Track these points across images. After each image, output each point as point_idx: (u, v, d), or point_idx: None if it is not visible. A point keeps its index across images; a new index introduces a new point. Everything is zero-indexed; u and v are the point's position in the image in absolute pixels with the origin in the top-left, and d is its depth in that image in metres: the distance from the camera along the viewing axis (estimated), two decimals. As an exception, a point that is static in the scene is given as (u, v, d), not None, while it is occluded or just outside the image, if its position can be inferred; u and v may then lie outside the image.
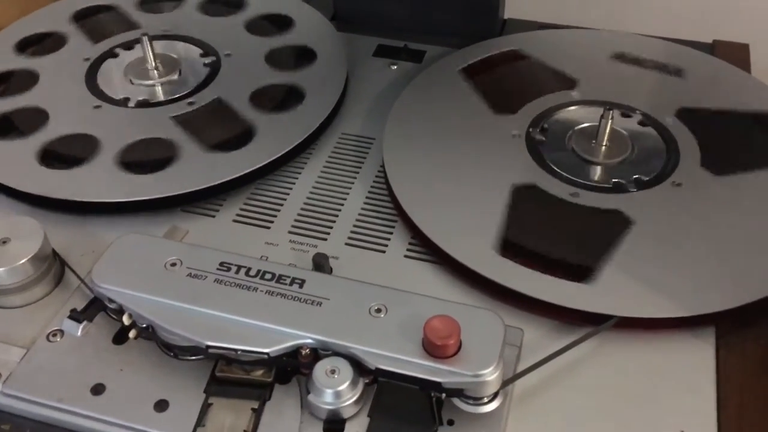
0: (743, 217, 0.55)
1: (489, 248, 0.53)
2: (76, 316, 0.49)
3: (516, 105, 0.65)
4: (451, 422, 0.44)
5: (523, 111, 0.65)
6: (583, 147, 0.61)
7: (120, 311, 0.48)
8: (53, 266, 0.53)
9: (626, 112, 0.64)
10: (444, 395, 0.44)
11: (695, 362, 0.48)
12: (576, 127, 0.63)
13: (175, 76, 0.69)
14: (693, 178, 0.58)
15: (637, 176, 0.59)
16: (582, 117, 0.64)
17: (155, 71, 0.69)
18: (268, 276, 0.48)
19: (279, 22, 0.76)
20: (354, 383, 0.44)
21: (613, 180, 0.59)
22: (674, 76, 0.69)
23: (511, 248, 0.53)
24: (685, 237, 0.54)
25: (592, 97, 0.66)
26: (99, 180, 0.58)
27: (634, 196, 0.57)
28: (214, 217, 0.59)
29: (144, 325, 0.47)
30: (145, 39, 0.68)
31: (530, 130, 0.63)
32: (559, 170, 0.59)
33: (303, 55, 0.72)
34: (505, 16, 0.81)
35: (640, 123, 0.64)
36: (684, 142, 0.61)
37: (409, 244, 0.56)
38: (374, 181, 0.62)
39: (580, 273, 0.51)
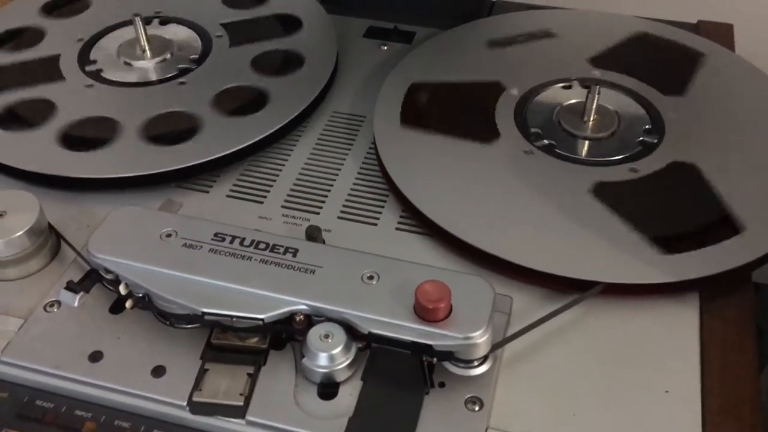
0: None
1: (477, 218, 0.54)
2: (72, 287, 0.50)
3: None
4: (442, 384, 0.45)
5: (511, 87, 0.66)
6: (570, 122, 0.62)
7: (116, 282, 0.49)
8: (49, 239, 0.53)
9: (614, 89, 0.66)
10: (435, 359, 0.45)
11: (680, 327, 0.49)
12: (564, 103, 0.64)
13: (168, 56, 0.70)
14: (678, 150, 0.60)
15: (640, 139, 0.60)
16: (568, 95, 0.65)
17: (147, 52, 0.70)
18: (262, 246, 0.49)
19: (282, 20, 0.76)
20: (347, 347, 0.45)
21: (593, 153, 0.60)
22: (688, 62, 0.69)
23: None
24: (672, 206, 0.55)
25: (573, 75, 0.67)
26: (93, 156, 0.59)
27: (626, 168, 0.58)
28: (208, 192, 0.60)
29: (140, 295, 0.48)
30: (137, 20, 0.69)
31: (518, 106, 0.64)
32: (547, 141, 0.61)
33: (293, 33, 0.72)
34: (494, -2, 0.82)
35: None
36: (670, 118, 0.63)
37: (400, 217, 0.57)
38: (365, 158, 0.63)
39: (568, 241, 0.52)
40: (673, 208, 0.55)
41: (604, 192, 0.56)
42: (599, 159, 0.59)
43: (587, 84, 0.64)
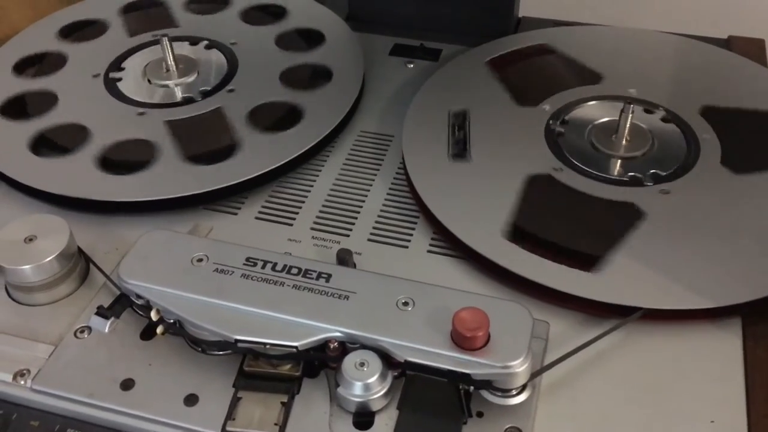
0: (765, 212, 0.55)
1: (512, 241, 0.53)
2: (103, 312, 0.50)
3: (538, 98, 0.65)
4: (480, 414, 0.44)
5: (544, 104, 0.65)
6: (602, 141, 0.61)
7: (147, 307, 0.48)
8: (78, 264, 0.53)
9: (649, 108, 0.64)
10: (472, 387, 0.44)
11: (722, 353, 0.48)
12: (596, 121, 0.63)
13: (193, 78, 0.70)
14: (713, 174, 0.58)
15: (653, 171, 0.59)
16: (603, 112, 0.64)
17: (174, 72, 0.69)
18: (294, 271, 0.48)
19: (307, 36, 0.76)
20: (383, 376, 0.44)
21: (632, 174, 0.59)
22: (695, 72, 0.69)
23: (533, 241, 0.53)
24: (710, 230, 0.54)
25: (615, 92, 0.66)
26: (122, 179, 0.59)
27: (657, 189, 0.57)
28: (236, 214, 0.59)
29: (171, 321, 0.47)
30: (165, 40, 0.68)
31: (550, 122, 0.63)
32: (579, 164, 0.60)
33: (317, 43, 0.72)
34: (520, 15, 0.81)
35: (663, 119, 0.64)
36: (705, 139, 0.61)
37: (432, 239, 0.56)
38: (395, 178, 0.62)
39: (608, 266, 0.51)
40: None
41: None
42: (634, 178, 0.58)
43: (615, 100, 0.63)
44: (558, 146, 0.61)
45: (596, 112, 0.65)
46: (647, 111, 0.64)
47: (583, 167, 0.59)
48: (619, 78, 0.68)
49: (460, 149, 0.61)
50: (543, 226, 0.54)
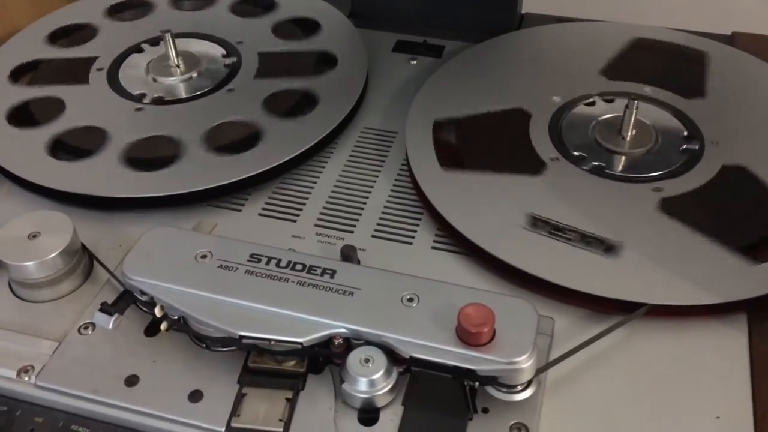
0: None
1: (516, 238, 0.53)
2: (107, 309, 0.49)
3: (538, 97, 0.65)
4: (485, 410, 0.44)
5: (544, 102, 0.65)
6: (606, 138, 0.61)
7: (151, 304, 0.48)
8: (82, 260, 0.53)
9: (651, 104, 0.64)
10: (478, 384, 0.44)
11: (728, 349, 0.48)
12: (599, 118, 0.63)
13: (196, 73, 0.69)
14: (717, 165, 0.58)
15: (665, 163, 0.59)
16: (605, 109, 0.64)
17: (177, 68, 0.69)
18: (298, 267, 0.48)
19: (302, 24, 0.76)
20: (388, 372, 0.44)
21: (640, 169, 0.59)
22: (696, 64, 0.69)
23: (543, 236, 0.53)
24: (714, 224, 0.53)
25: (614, 88, 0.66)
26: (125, 176, 0.59)
27: (663, 184, 0.57)
28: (240, 211, 0.59)
29: (176, 317, 0.47)
30: (168, 36, 0.68)
31: (552, 122, 0.63)
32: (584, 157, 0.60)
33: (322, 52, 0.72)
34: (523, 11, 0.81)
35: (665, 112, 0.64)
36: (707, 130, 0.61)
37: (436, 235, 0.56)
38: (398, 174, 0.62)
39: (612, 261, 0.51)
40: (742, 214, 0.55)
41: (670, 207, 0.55)
42: (640, 175, 0.58)
43: (610, 98, 0.64)
44: (561, 141, 0.61)
45: (599, 109, 0.64)
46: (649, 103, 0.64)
47: (587, 161, 0.59)
48: (622, 74, 0.68)
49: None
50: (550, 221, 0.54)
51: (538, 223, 0.52)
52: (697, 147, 0.60)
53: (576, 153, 0.60)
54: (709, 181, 0.57)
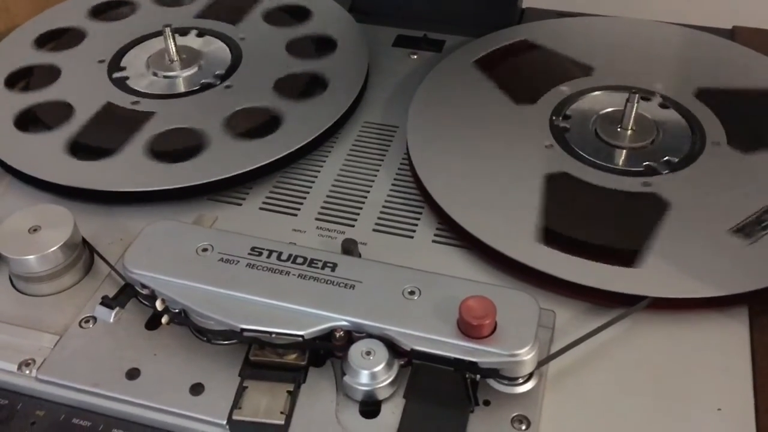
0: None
1: (517, 231, 0.53)
2: (108, 302, 0.49)
3: (535, 94, 0.65)
4: (487, 402, 0.44)
5: (543, 100, 0.65)
6: (608, 132, 0.61)
7: (152, 297, 0.48)
8: (83, 254, 0.53)
9: (645, 95, 0.64)
10: (479, 376, 0.44)
11: (729, 342, 0.48)
12: (600, 112, 0.63)
13: (197, 68, 0.69)
14: (721, 157, 0.58)
15: (666, 158, 0.59)
16: (603, 103, 0.64)
17: (177, 63, 0.69)
18: (299, 260, 0.48)
19: (301, 16, 0.76)
20: (389, 365, 0.44)
21: (644, 163, 0.59)
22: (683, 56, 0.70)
23: (546, 233, 0.53)
24: (715, 217, 0.53)
25: (609, 82, 0.66)
26: (126, 169, 0.59)
27: (664, 178, 0.57)
28: (240, 205, 0.59)
29: (177, 310, 0.47)
30: (168, 30, 0.68)
31: (553, 118, 0.63)
32: (586, 155, 0.60)
33: (323, 46, 0.72)
34: (524, 5, 0.81)
35: (661, 105, 0.64)
36: (707, 122, 0.62)
37: (437, 229, 0.56)
38: (399, 168, 0.62)
39: (612, 255, 0.51)
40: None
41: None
42: (639, 169, 0.58)
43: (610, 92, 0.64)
44: (564, 140, 0.61)
45: (597, 103, 0.64)
46: (644, 99, 0.64)
47: (588, 158, 0.59)
48: (619, 68, 0.68)
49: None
50: (554, 218, 0.54)
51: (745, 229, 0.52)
52: (698, 136, 0.60)
53: (574, 144, 0.60)
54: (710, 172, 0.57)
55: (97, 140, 0.62)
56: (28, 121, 0.65)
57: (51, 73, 0.69)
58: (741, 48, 0.71)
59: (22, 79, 0.70)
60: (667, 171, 0.58)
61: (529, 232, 0.53)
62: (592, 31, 0.74)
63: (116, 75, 0.69)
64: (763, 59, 0.69)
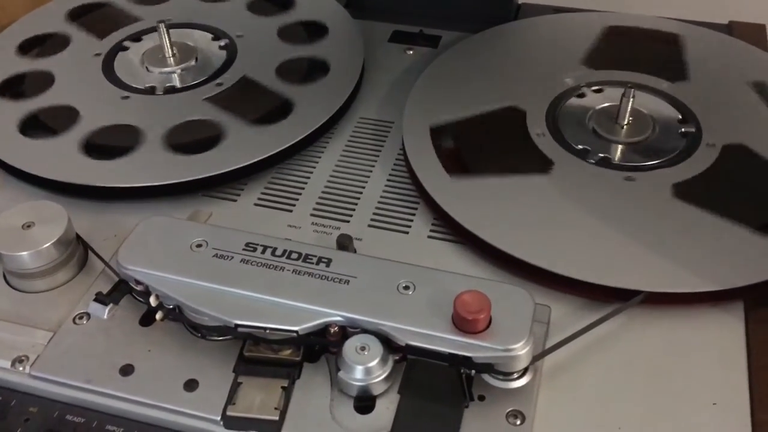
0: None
1: (512, 226, 0.53)
2: (101, 298, 0.49)
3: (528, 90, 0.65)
4: (482, 398, 0.44)
5: (535, 95, 0.64)
6: (605, 127, 0.61)
7: (146, 293, 0.48)
8: (77, 250, 0.53)
9: (648, 92, 0.64)
10: (474, 371, 0.44)
11: (725, 336, 0.48)
12: (596, 107, 0.63)
13: (193, 62, 0.69)
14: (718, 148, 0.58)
15: (661, 152, 0.59)
16: (598, 99, 0.64)
17: (172, 59, 0.69)
18: (294, 255, 0.48)
19: (306, 23, 0.75)
20: (384, 360, 0.44)
21: (637, 157, 0.59)
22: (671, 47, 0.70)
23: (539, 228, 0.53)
24: (711, 211, 0.53)
25: (600, 78, 0.66)
26: (120, 165, 0.58)
27: (655, 173, 0.57)
28: (235, 201, 0.59)
29: (171, 306, 0.47)
30: (162, 27, 0.68)
31: (548, 115, 0.62)
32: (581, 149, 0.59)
33: (319, 40, 0.72)
34: (520, 1, 0.81)
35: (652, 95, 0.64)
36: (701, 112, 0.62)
37: (432, 224, 0.56)
38: (395, 164, 0.62)
39: (609, 248, 0.51)
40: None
41: (685, 192, 0.55)
42: (639, 164, 0.58)
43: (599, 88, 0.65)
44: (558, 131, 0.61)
45: (591, 100, 0.64)
46: (648, 96, 0.64)
47: (584, 153, 0.59)
48: (616, 64, 0.68)
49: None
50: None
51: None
52: (693, 129, 0.60)
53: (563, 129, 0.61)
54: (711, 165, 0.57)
55: (93, 138, 0.61)
56: (25, 119, 0.64)
57: (45, 79, 0.68)
58: (738, 42, 0.70)
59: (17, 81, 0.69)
60: (661, 165, 0.58)
61: (524, 227, 0.53)
62: (586, 25, 0.73)
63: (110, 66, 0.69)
64: (760, 53, 0.69)
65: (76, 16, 0.76)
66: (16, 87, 0.67)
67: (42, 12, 0.77)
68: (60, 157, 0.59)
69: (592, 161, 0.58)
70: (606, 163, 0.58)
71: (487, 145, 0.61)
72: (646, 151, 0.59)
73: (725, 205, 0.53)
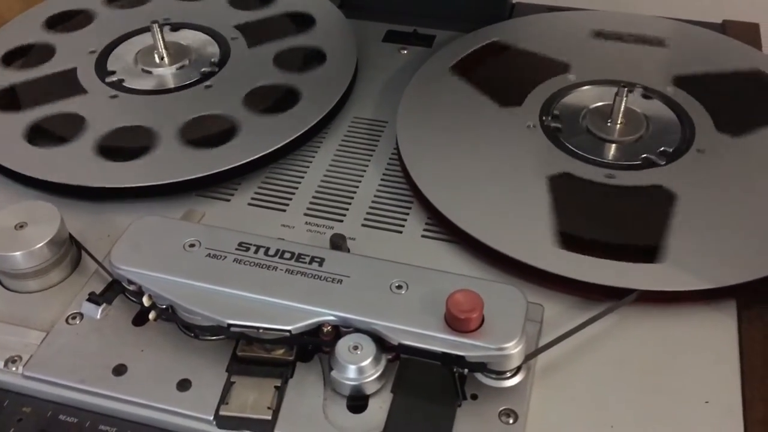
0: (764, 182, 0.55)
1: (506, 226, 0.53)
2: (95, 298, 0.49)
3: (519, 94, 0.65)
4: (474, 396, 0.44)
5: (528, 99, 0.64)
6: (599, 127, 0.61)
7: (139, 293, 0.48)
8: (70, 251, 0.53)
9: (631, 88, 0.64)
10: (467, 370, 0.44)
11: (717, 335, 0.48)
12: (590, 107, 0.63)
13: (186, 62, 0.69)
14: (713, 143, 0.59)
15: (662, 149, 0.59)
16: (589, 98, 0.64)
17: (166, 59, 0.69)
18: (287, 255, 0.48)
19: (299, 22, 0.75)
20: (377, 359, 0.44)
21: (642, 156, 0.59)
22: (657, 46, 0.70)
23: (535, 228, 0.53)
24: (703, 209, 0.53)
25: (588, 77, 0.66)
26: (113, 166, 0.58)
27: (646, 173, 0.57)
28: (229, 201, 0.59)
29: (164, 306, 0.47)
30: (155, 26, 0.68)
31: (543, 118, 0.62)
32: (577, 150, 0.60)
33: (311, 43, 0.72)
34: (514, 0, 0.81)
35: (644, 97, 0.64)
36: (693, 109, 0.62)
37: (426, 224, 0.56)
38: (388, 163, 0.62)
39: (601, 249, 0.51)
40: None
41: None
42: (625, 162, 0.58)
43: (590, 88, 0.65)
44: (555, 137, 0.61)
45: (582, 99, 0.64)
46: (640, 95, 0.64)
47: (577, 150, 0.59)
48: (604, 62, 0.68)
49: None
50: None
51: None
52: (686, 124, 0.61)
53: (564, 139, 0.60)
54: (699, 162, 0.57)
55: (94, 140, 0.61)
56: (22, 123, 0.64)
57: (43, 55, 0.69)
58: (731, 41, 0.71)
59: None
60: (660, 163, 0.58)
61: (517, 226, 0.53)
62: (575, 25, 0.73)
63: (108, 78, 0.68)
64: (755, 51, 0.69)
65: (53, 24, 0.76)
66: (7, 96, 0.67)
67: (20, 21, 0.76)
68: (53, 158, 0.59)
69: (586, 159, 0.58)
70: (600, 160, 0.58)
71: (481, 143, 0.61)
72: (638, 149, 0.59)
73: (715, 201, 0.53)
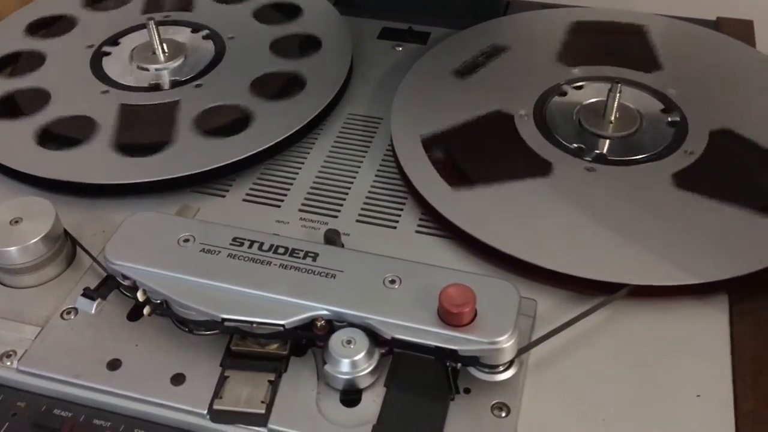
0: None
1: (499, 220, 0.53)
2: (89, 293, 0.49)
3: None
4: (467, 390, 0.44)
5: (522, 93, 0.65)
6: (592, 123, 0.61)
7: (133, 288, 0.48)
8: (65, 246, 0.53)
9: (634, 88, 0.65)
10: (459, 364, 0.44)
11: (709, 329, 0.48)
12: (583, 103, 0.63)
13: (181, 60, 0.69)
14: (704, 143, 0.59)
15: (652, 146, 0.59)
16: (582, 95, 0.64)
17: (161, 56, 0.69)
18: (281, 250, 0.48)
19: (285, 10, 0.76)
20: (370, 353, 0.44)
21: (627, 152, 0.59)
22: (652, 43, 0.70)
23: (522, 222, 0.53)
24: (697, 204, 0.54)
25: (582, 74, 0.66)
26: (108, 162, 0.58)
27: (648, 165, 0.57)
28: (224, 196, 0.59)
29: (158, 301, 0.47)
30: (151, 24, 0.68)
31: (535, 110, 0.63)
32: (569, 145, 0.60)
33: (307, 38, 0.72)
34: (509, -3, 0.81)
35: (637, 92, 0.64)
36: (688, 108, 0.62)
37: (420, 219, 0.56)
38: (383, 160, 0.62)
39: (594, 242, 0.51)
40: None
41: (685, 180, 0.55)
42: (631, 158, 0.59)
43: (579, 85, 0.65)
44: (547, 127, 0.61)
45: (576, 96, 0.65)
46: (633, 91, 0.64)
47: (568, 145, 0.60)
48: (603, 59, 0.68)
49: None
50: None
51: None
52: (678, 118, 0.61)
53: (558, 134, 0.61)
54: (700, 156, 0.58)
55: (80, 132, 0.61)
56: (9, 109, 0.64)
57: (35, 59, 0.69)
58: (725, 38, 0.71)
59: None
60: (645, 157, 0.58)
61: (510, 221, 0.53)
62: (569, 21, 0.74)
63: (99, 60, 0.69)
64: (747, 48, 0.69)
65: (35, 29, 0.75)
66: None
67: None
68: (49, 154, 0.59)
69: (578, 156, 0.59)
70: (587, 156, 0.58)
71: (476, 142, 0.61)
72: (632, 144, 0.59)
73: (712, 195, 0.54)
